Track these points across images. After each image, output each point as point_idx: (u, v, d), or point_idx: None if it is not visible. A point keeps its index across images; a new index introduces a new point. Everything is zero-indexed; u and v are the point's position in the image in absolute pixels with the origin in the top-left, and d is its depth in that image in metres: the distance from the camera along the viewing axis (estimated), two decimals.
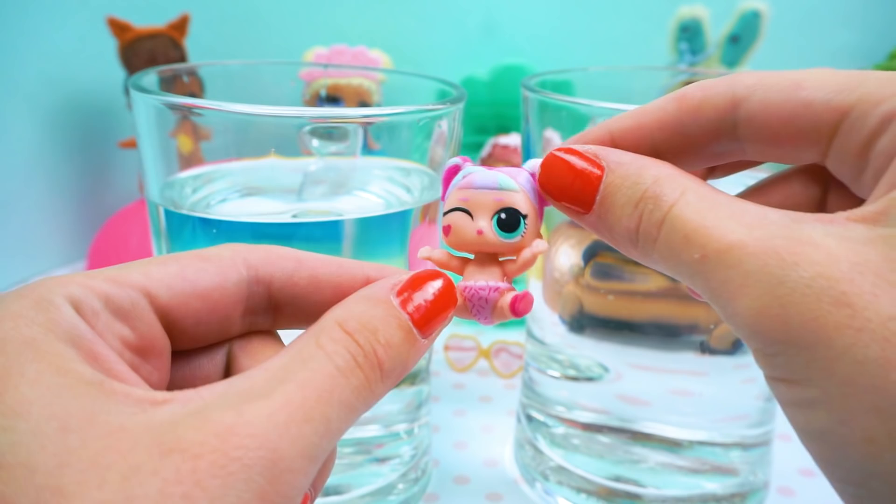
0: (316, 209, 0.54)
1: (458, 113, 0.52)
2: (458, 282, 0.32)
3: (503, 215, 0.32)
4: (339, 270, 0.32)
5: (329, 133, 0.51)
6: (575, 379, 0.58)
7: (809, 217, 0.27)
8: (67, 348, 0.24)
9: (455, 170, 0.33)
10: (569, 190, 0.31)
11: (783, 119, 0.30)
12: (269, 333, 0.33)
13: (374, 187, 0.56)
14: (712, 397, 0.56)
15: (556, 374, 0.59)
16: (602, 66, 0.64)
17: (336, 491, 0.54)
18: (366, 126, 0.49)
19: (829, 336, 0.24)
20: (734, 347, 0.54)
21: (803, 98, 0.30)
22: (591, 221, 0.31)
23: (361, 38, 0.95)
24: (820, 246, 0.25)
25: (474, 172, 0.32)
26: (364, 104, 0.77)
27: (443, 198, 0.34)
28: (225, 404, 0.24)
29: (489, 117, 0.96)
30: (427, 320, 0.30)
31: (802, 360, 0.25)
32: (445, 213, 0.33)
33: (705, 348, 0.54)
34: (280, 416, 0.24)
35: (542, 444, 0.60)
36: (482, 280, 0.32)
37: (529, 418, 0.62)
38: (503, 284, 0.32)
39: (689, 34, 0.94)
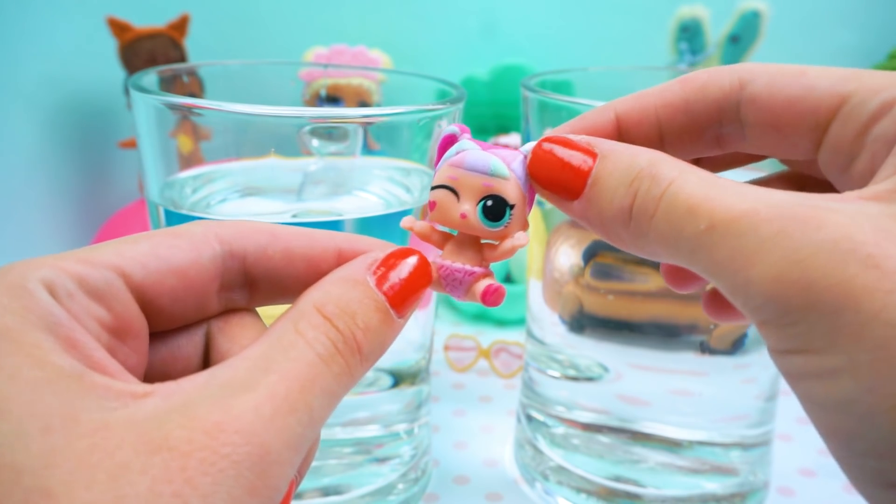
0: (316, 209, 0.54)
1: (458, 113, 0.52)
2: (437, 258, 0.32)
3: (489, 202, 0.31)
4: (311, 243, 0.32)
5: (329, 133, 0.51)
6: (575, 379, 0.58)
7: (818, 195, 0.26)
8: (45, 337, 0.24)
9: (451, 140, 0.32)
10: (559, 178, 0.31)
11: (786, 101, 0.30)
12: (247, 312, 0.32)
13: (373, 187, 0.56)
14: (712, 397, 0.56)
15: (556, 374, 0.59)
16: (602, 66, 0.64)
17: (336, 491, 0.54)
18: (366, 126, 0.49)
19: (857, 299, 0.23)
20: (734, 347, 0.54)
21: (806, 83, 0.30)
22: (579, 208, 0.31)
23: (361, 38, 0.95)
24: (840, 212, 0.25)
25: (468, 151, 0.31)
26: (364, 104, 0.77)
27: (434, 165, 0.33)
28: (210, 398, 0.24)
29: (489, 117, 0.96)
30: (402, 299, 0.30)
31: (825, 326, 0.24)
32: (433, 188, 0.32)
33: (705, 348, 0.54)
34: (265, 410, 0.24)
35: (542, 444, 0.60)
36: (459, 261, 0.32)
37: (529, 418, 0.62)
38: (479, 269, 0.32)
39: (689, 34, 0.94)
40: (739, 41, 0.94)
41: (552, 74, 0.60)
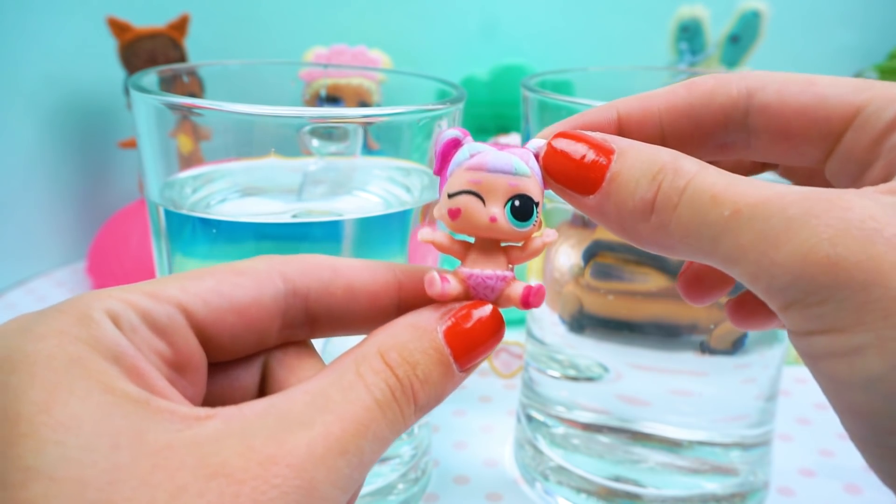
0: (316, 209, 0.54)
1: (458, 113, 0.52)
2: (460, 267, 0.32)
3: (517, 202, 0.30)
4: (372, 277, 0.32)
5: (329, 133, 0.50)
6: (575, 379, 0.58)
7: (834, 188, 0.27)
8: (111, 366, 0.25)
9: (454, 143, 0.32)
10: (576, 174, 0.31)
11: (797, 110, 0.30)
12: (305, 345, 0.33)
13: (373, 187, 0.56)
14: (712, 397, 0.56)
15: (556, 374, 0.59)
16: (602, 66, 0.64)
17: None
18: (366, 126, 0.49)
19: (886, 276, 0.24)
20: (734, 347, 0.54)
21: (818, 92, 0.30)
22: (595, 203, 0.31)
23: (361, 38, 0.95)
24: (864, 197, 0.25)
25: (486, 152, 0.31)
26: (364, 104, 0.76)
27: (437, 172, 0.32)
28: (267, 429, 0.25)
29: (489, 117, 0.96)
30: (468, 354, 0.30)
31: (854, 303, 0.24)
32: (452, 195, 0.31)
33: (705, 348, 0.54)
34: (318, 448, 0.25)
35: (542, 444, 0.60)
36: (488, 268, 0.31)
37: (529, 418, 0.62)
38: (509, 273, 0.31)
39: (689, 34, 0.94)
40: (739, 41, 0.94)
41: (552, 74, 0.60)
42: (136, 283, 0.28)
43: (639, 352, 0.55)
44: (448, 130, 0.32)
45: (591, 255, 0.55)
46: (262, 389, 0.32)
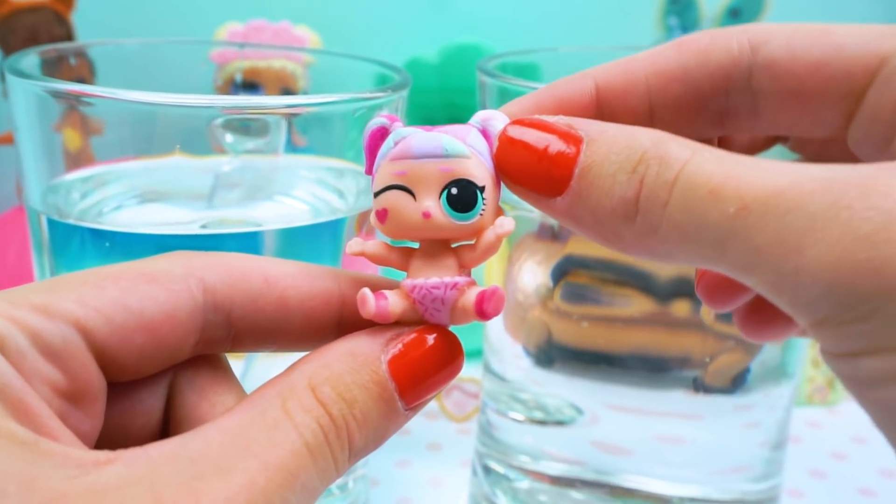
0: (230, 218, 0.55)
1: (402, 102, 0.52)
2: (404, 279, 0.31)
3: (454, 190, 0.29)
4: (311, 289, 0.32)
5: (246, 126, 0.51)
6: (542, 423, 0.59)
7: (863, 164, 0.25)
8: None
9: (381, 133, 0.31)
10: (536, 170, 0.29)
11: (811, 64, 0.30)
12: (220, 361, 0.33)
13: (300, 192, 0.56)
14: (708, 445, 0.56)
15: (520, 416, 0.60)
16: (575, 46, 0.64)
17: None
18: (290, 118, 0.49)
19: None
20: (734, 385, 0.55)
21: (835, 42, 0.30)
22: (564, 206, 0.29)
23: (284, 13, 0.94)
24: None
25: (410, 136, 0.30)
26: (288, 91, 0.77)
27: (367, 171, 0.31)
28: (178, 476, 0.24)
29: (439, 107, 0.96)
30: (417, 391, 0.29)
31: None
32: (377, 194, 0.30)
33: (699, 386, 0.54)
34: (239, 501, 0.24)
35: (503, 502, 0.61)
36: (434, 276, 0.30)
37: (487, 470, 0.62)
38: (461, 279, 0.30)
39: (680, 7, 0.95)
40: (740, 15, 0.94)
41: (515, 56, 0.60)
42: (24, 287, 0.28)
43: (619, 390, 0.55)
44: (373, 119, 0.31)
45: (561, 273, 0.56)
46: (168, 413, 0.31)
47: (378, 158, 0.31)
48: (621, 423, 0.56)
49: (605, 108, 0.33)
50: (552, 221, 0.53)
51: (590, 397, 0.56)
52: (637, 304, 0.54)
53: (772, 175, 0.25)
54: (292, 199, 0.56)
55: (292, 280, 0.32)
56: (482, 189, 0.30)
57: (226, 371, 0.32)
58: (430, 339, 0.30)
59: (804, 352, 0.59)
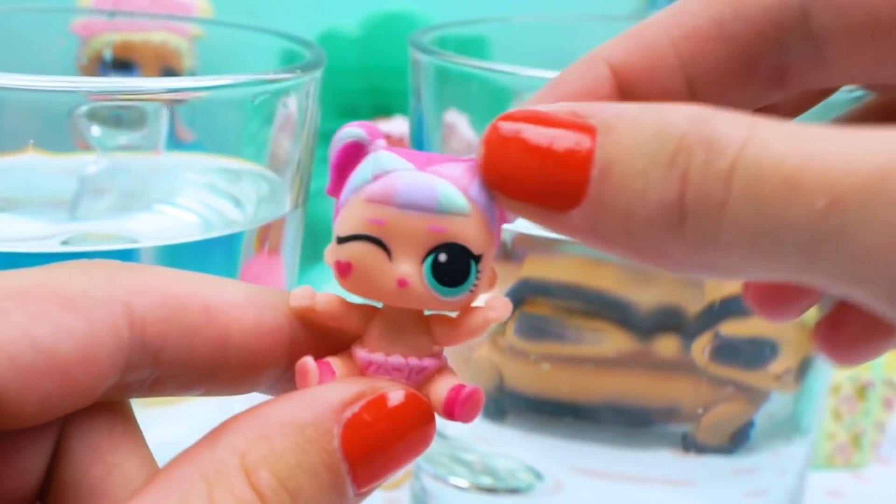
0: (98, 232, 0.53)
1: (315, 85, 0.51)
2: (358, 349, 0.28)
3: (442, 257, 0.27)
4: (257, 325, 0.29)
5: (117, 116, 0.50)
6: (491, 490, 0.57)
7: None
8: None
9: (355, 149, 0.28)
10: (539, 179, 0.26)
11: None
12: (121, 409, 0.29)
13: (185, 199, 0.55)
14: None
15: (463, 483, 0.58)
16: (533, 16, 0.64)
17: None
18: (173, 106, 0.48)
19: None
20: (733, 442, 0.53)
21: None
22: (582, 221, 0.26)
23: None
24: None
25: (395, 172, 0.27)
26: (170, 72, 0.76)
27: (330, 192, 0.28)
28: None
29: (360, 92, 0.97)
30: (375, 473, 0.27)
31: None
32: (342, 240, 0.27)
33: (690, 444, 0.53)
34: None
35: None
36: (397, 351, 0.28)
37: None
38: (430, 362, 0.28)
39: None
40: None
41: (457, 27, 0.60)
42: None
43: (589, 449, 0.54)
44: (347, 128, 0.28)
45: (516, 301, 0.53)
46: (52, 471, 0.28)
47: (349, 188, 0.28)
48: (592, 491, 0.54)
49: (629, 96, 0.31)
50: (504, 237, 0.50)
51: (552, 459, 0.55)
52: (612, 341, 0.52)
53: (863, 150, 0.22)
54: (176, 209, 0.54)
55: (238, 312, 0.29)
56: (478, 259, 0.27)
57: (128, 422, 0.29)
58: (396, 400, 0.27)
59: (822, 401, 0.59)
